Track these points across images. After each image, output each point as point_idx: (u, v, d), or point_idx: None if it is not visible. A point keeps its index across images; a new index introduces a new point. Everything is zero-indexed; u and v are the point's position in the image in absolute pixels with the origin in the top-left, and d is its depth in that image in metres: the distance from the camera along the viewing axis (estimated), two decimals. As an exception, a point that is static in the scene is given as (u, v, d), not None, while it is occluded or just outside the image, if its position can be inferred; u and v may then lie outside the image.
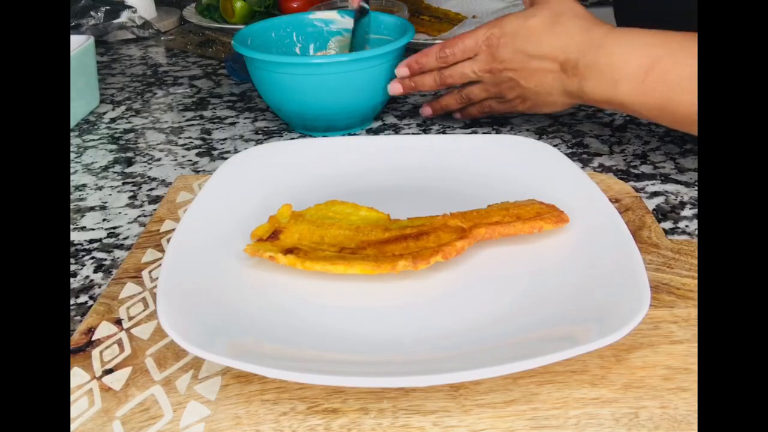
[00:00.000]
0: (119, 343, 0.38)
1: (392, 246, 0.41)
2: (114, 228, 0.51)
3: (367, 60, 0.60)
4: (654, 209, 0.51)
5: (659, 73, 0.48)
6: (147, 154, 0.64)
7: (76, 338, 0.38)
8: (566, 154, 0.53)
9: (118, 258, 0.47)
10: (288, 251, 0.40)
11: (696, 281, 0.41)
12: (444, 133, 0.65)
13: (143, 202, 0.55)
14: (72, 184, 0.58)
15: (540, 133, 0.64)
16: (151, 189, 0.57)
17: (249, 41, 0.66)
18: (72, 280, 0.45)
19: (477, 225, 0.42)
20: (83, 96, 0.72)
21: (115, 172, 0.60)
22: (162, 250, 0.46)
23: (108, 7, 0.97)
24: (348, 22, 0.71)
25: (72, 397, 0.34)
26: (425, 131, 0.66)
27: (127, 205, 0.55)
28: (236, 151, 0.63)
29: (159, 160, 0.62)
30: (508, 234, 0.42)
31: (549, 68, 0.55)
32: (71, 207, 0.54)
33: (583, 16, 0.54)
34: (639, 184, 0.54)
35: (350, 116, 0.63)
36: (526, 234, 0.42)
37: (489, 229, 0.41)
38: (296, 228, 0.42)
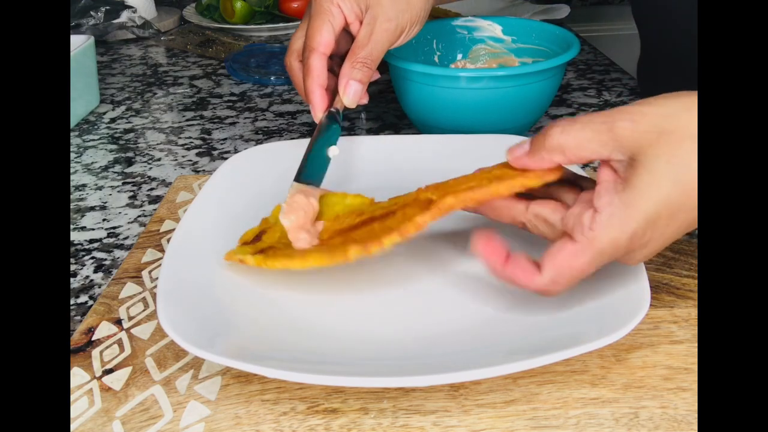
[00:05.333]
0: (119, 343, 0.38)
1: (359, 232, 0.37)
2: (114, 228, 0.51)
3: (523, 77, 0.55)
4: (654, 209, 0.51)
5: None
6: (147, 154, 0.64)
7: (76, 338, 0.38)
8: (566, 154, 0.53)
9: (118, 258, 0.47)
10: (260, 251, 0.39)
11: (696, 281, 0.41)
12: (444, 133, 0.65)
13: (143, 202, 0.55)
14: (72, 184, 0.58)
15: (540, 133, 0.64)
16: (151, 189, 0.57)
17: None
18: (72, 280, 0.45)
19: (445, 194, 0.36)
20: (83, 96, 0.72)
21: (115, 172, 0.60)
22: (162, 250, 0.46)
23: (108, 7, 0.97)
24: (495, 29, 0.67)
25: (72, 397, 0.34)
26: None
27: (127, 205, 0.55)
28: (236, 151, 0.63)
29: (159, 160, 0.62)
30: (482, 199, 0.35)
31: None
32: (71, 207, 0.54)
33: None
34: (639, 184, 0.54)
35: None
36: (504, 196, 0.36)
37: (458, 197, 0.35)
38: (279, 226, 0.41)
